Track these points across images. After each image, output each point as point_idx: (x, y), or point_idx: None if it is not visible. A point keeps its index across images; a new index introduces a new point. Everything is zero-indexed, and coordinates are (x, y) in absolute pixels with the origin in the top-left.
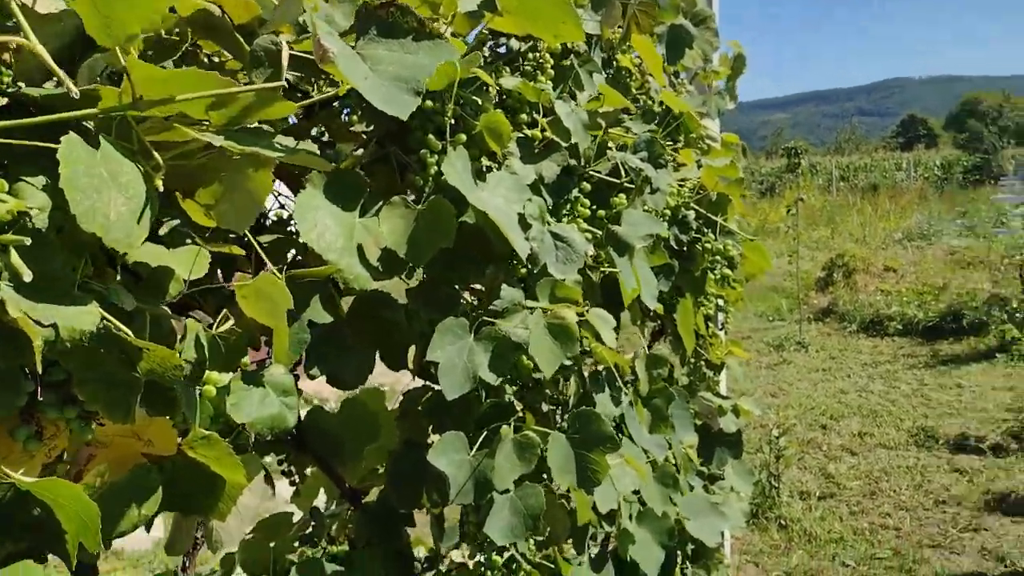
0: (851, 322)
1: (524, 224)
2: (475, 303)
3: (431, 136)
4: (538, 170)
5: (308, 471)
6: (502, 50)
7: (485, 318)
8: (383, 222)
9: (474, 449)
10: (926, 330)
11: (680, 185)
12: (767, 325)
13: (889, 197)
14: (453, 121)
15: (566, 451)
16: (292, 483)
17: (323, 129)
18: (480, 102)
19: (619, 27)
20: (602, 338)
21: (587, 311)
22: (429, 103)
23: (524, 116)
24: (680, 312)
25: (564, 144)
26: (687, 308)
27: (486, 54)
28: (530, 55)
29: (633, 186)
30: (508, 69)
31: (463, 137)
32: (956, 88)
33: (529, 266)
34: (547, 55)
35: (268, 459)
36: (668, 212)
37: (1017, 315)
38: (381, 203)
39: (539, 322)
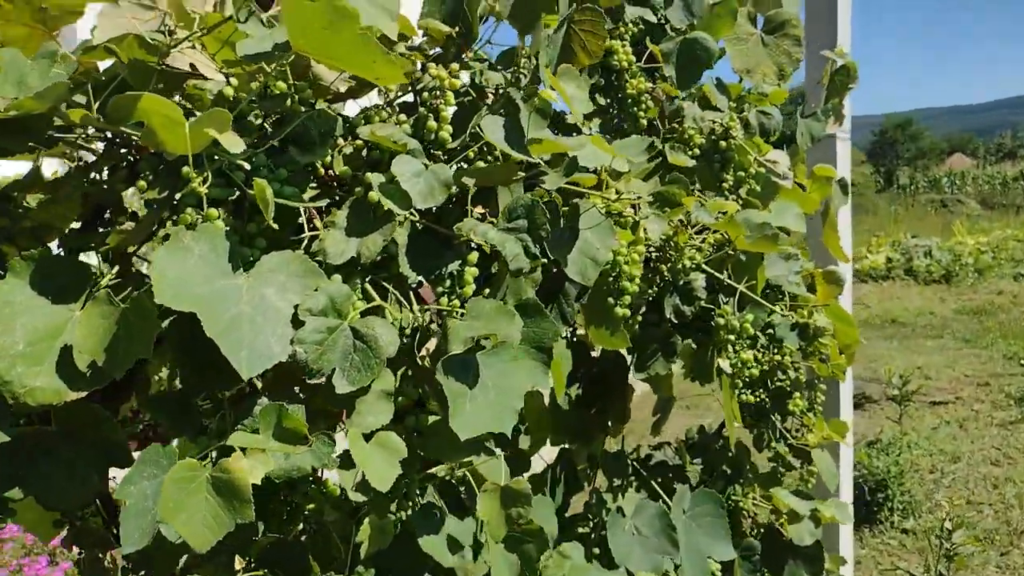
0: None
1: (296, 321)
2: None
3: (189, 210)
4: (360, 246)
5: None
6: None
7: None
8: (80, 323)
9: None
10: None
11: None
12: (1015, 370)
13: None
14: (206, 192)
15: None
16: None
17: None
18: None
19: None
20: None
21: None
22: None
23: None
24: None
25: (399, 212)
26: (725, 389)
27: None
28: (424, 94)
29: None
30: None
31: (214, 213)
32: None
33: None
34: (449, 94)
35: None
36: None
37: None
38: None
39: (198, 478)
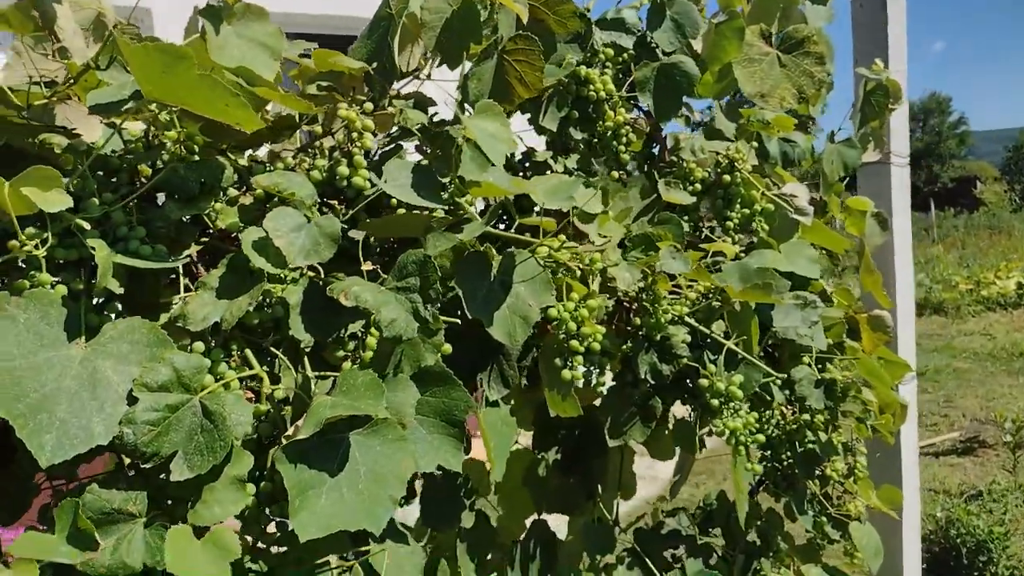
0: None
1: (132, 398)
2: None
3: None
4: (225, 311)
5: None
6: None
7: None
8: None
9: None
10: None
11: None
12: None
13: None
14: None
15: None
16: None
17: None
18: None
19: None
20: None
21: None
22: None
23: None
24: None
25: (272, 270)
26: (738, 462)
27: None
28: (339, 136)
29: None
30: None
31: (46, 278)
32: None
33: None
34: (367, 136)
35: None
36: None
37: None
38: None
39: None
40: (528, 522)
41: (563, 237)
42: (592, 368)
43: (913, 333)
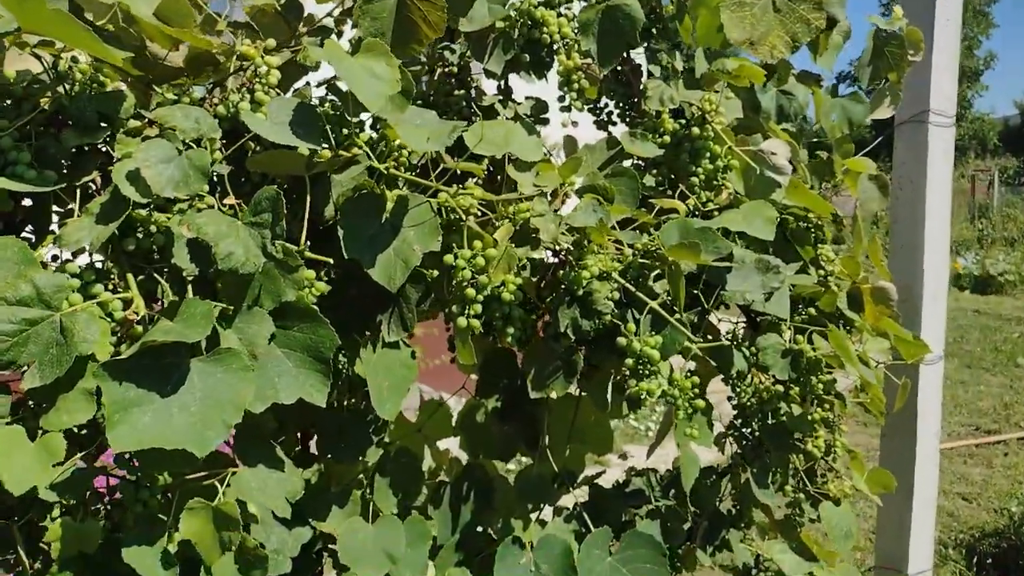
0: None
1: None
2: None
3: None
4: (94, 235)
5: None
6: None
7: None
8: None
9: None
10: None
11: (626, 246)
12: None
13: None
14: None
15: None
16: None
17: None
18: None
19: None
20: None
21: None
22: None
23: None
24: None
25: (140, 200)
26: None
27: None
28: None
29: None
30: None
31: None
32: None
33: None
34: (273, 73)
35: None
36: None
37: None
38: None
39: None
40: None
41: (473, 184)
42: (506, 319)
43: (943, 312)
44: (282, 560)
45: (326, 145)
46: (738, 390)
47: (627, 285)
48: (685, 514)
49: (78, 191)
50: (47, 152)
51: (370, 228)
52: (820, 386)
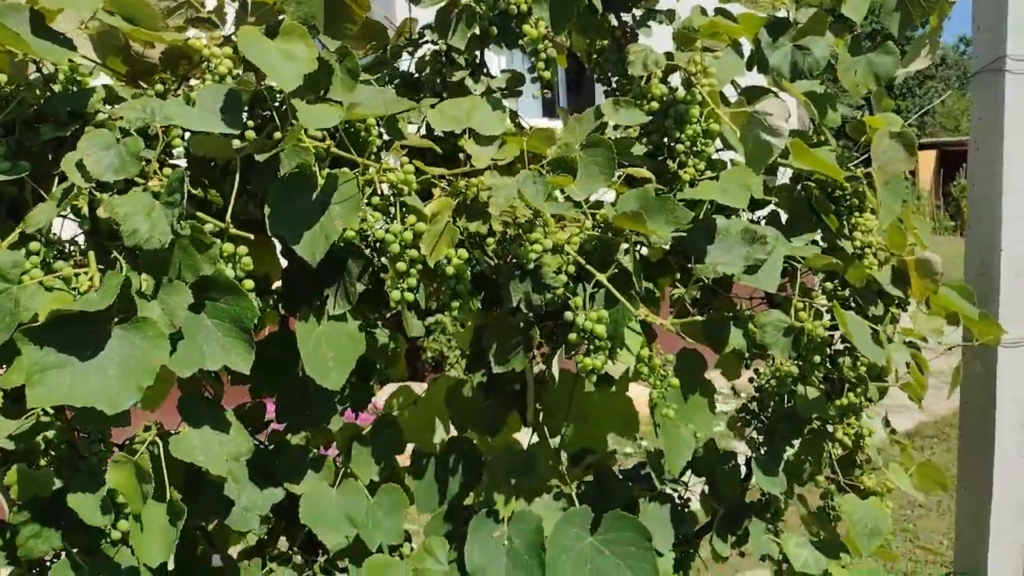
0: None
1: None
2: None
3: None
4: (48, 218)
5: None
6: None
7: None
8: None
9: None
10: None
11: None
12: None
13: None
14: None
15: None
16: None
17: None
18: None
19: None
20: None
21: None
22: None
23: None
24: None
25: (83, 184)
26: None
27: None
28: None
29: None
30: None
31: None
32: None
33: None
34: (224, 62)
35: None
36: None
37: None
38: None
39: None
40: (446, 438)
41: (406, 160)
42: (453, 293)
43: None
44: (250, 517)
45: (251, 127)
46: (759, 371)
47: (578, 258)
48: (708, 502)
49: (56, 180)
50: (24, 146)
51: (302, 205)
52: (829, 367)
